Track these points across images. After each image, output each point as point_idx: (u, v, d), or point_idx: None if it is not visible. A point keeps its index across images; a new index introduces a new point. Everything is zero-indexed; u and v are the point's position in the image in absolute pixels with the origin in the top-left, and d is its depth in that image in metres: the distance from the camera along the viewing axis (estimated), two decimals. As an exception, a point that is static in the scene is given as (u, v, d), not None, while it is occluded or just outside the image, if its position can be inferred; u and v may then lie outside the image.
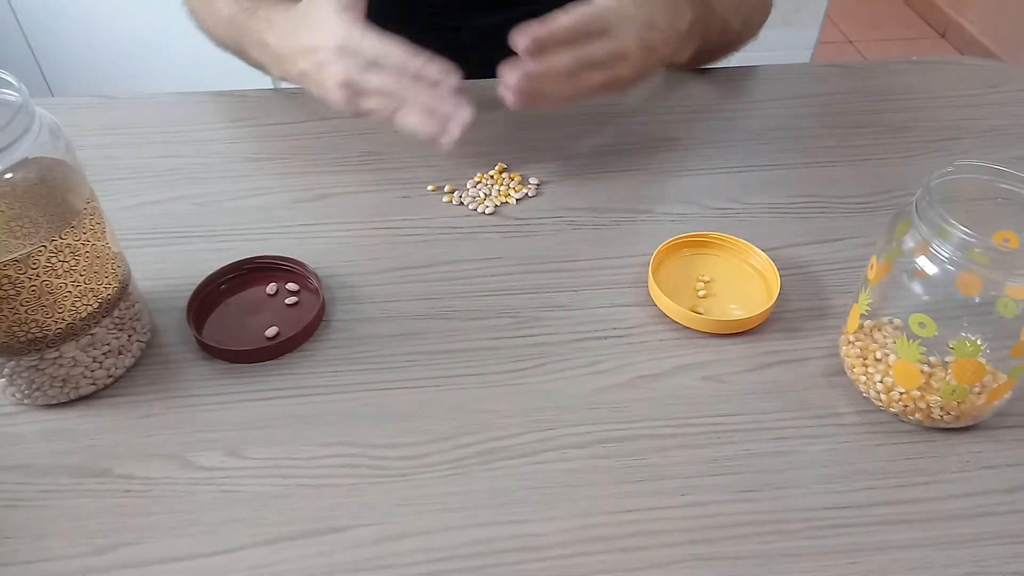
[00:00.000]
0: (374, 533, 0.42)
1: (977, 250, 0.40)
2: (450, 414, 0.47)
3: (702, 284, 0.54)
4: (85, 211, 0.44)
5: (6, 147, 0.40)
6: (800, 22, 1.83)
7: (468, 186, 0.63)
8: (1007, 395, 0.44)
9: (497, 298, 0.54)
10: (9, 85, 0.42)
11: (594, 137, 0.68)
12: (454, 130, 0.55)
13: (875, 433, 0.46)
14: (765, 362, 0.50)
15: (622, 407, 0.47)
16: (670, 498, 0.43)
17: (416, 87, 0.55)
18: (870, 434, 0.46)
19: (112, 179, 0.64)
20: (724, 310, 0.53)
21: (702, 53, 0.70)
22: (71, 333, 0.45)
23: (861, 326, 0.48)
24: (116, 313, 0.47)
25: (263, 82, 0.84)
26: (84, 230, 0.44)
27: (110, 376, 0.48)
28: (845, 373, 0.49)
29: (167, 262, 0.57)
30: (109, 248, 0.46)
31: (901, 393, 0.45)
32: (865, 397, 0.48)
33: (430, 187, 0.63)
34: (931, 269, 0.42)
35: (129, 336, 0.49)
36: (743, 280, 0.55)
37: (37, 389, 0.47)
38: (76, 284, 0.44)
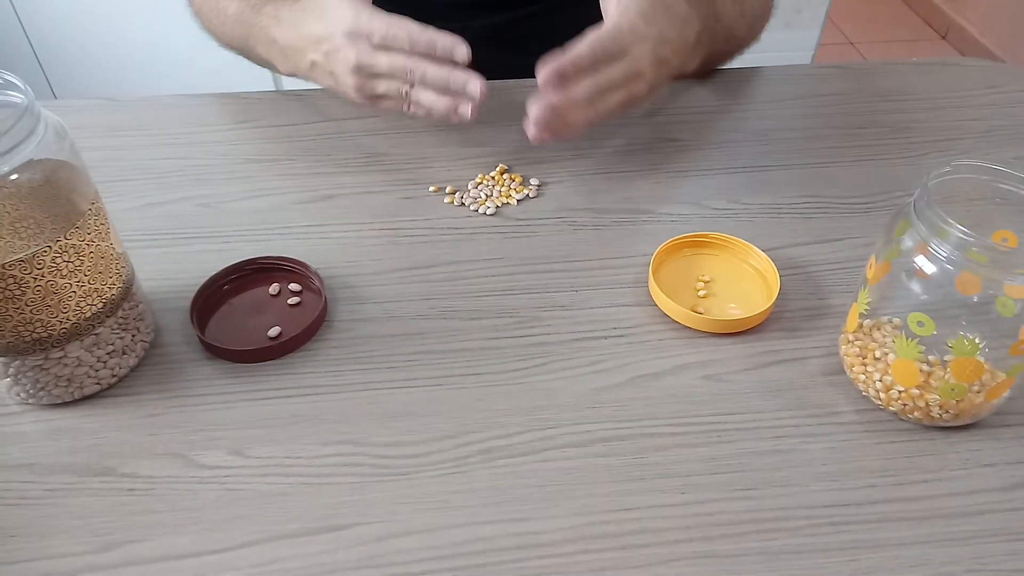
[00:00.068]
0: (376, 531, 0.42)
1: (975, 249, 0.40)
2: (452, 413, 0.47)
3: (702, 284, 0.55)
4: (89, 212, 0.44)
5: (11, 149, 0.40)
6: (801, 23, 1.84)
7: (469, 187, 0.63)
8: (1006, 393, 0.45)
9: (498, 298, 0.55)
10: (14, 87, 0.42)
11: (595, 138, 0.69)
12: (468, 102, 0.55)
13: (874, 431, 0.46)
14: (765, 361, 0.50)
15: (623, 406, 0.48)
16: (670, 496, 0.43)
17: (426, 63, 0.56)
18: (869, 432, 0.46)
19: (116, 180, 0.64)
20: (724, 310, 0.53)
21: (709, 61, 0.70)
22: (76, 333, 0.46)
23: (860, 325, 0.48)
24: (120, 313, 0.48)
25: (267, 84, 0.84)
26: (88, 231, 0.44)
27: (114, 376, 0.49)
28: (844, 372, 0.49)
29: (171, 262, 0.57)
30: (113, 249, 0.47)
31: (900, 392, 0.45)
32: (864, 396, 0.48)
33: (432, 188, 0.64)
34: (930, 268, 0.43)
35: (133, 336, 0.49)
36: (743, 280, 0.55)
37: (42, 388, 0.47)
38: (81, 284, 0.45)
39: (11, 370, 0.46)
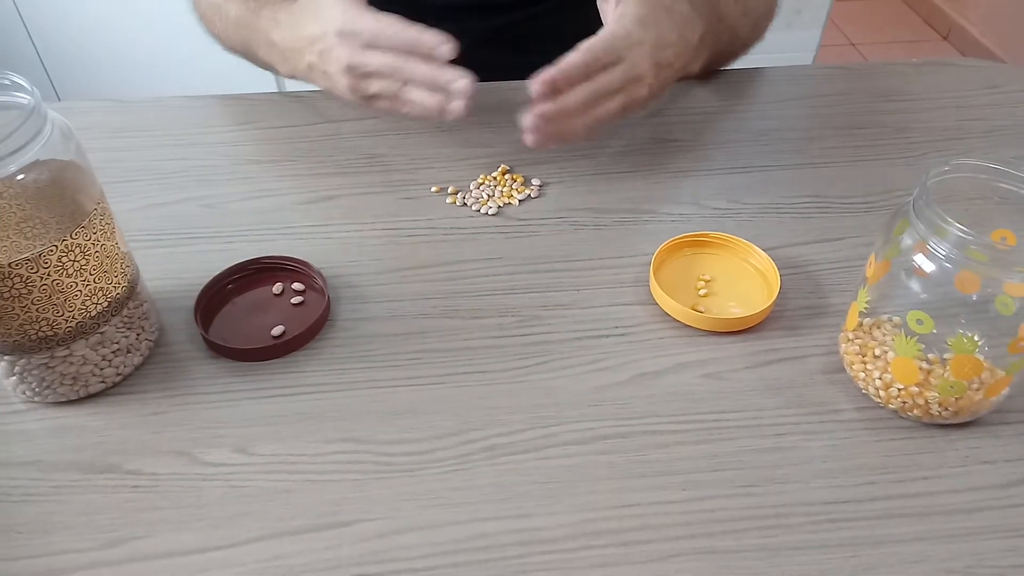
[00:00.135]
0: (379, 527, 0.42)
1: (974, 248, 0.41)
2: (454, 411, 0.48)
3: (703, 283, 0.55)
4: (95, 212, 0.45)
5: (18, 149, 0.40)
6: (802, 24, 1.84)
7: (471, 187, 0.64)
8: (1004, 391, 0.45)
9: (500, 297, 0.55)
10: (21, 88, 0.43)
11: (596, 139, 0.69)
12: (457, 99, 0.55)
13: (874, 429, 0.47)
14: (765, 360, 0.51)
15: (624, 404, 0.48)
16: (671, 493, 0.44)
17: (413, 61, 0.56)
18: (869, 430, 0.47)
19: (121, 181, 0.65)
20: (725, 309, 0.53)
21: (713, 61, 0.70)
22: (81, 331, 0.46)
23: (860, 324, 0.48)
24: (125, 312, 0.48)
25: (269, 85, 0.85)
26: (94, 230, 0.45)
27: (119, 374, 0.49)
28: (844, 370, 0.49)
29: (174, 262, 0.58)
30: (118, 248, 0.47)
31: (900, 389, 0.46)
32: (864, 394, 0.48)
33: (434, 188, 0.64)
34: (929, 267, 0.43)
35: (138, 335, 0.50)
36: (743, 279, 0.56)
37: (47, 387, 0.47)
38: (86, 283, 0.45)
39: (17, 368, 0.46)
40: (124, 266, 0.48)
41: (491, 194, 0.63)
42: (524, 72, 0.57)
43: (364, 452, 0.46)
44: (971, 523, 0.42)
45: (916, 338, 0.44)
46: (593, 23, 0.59)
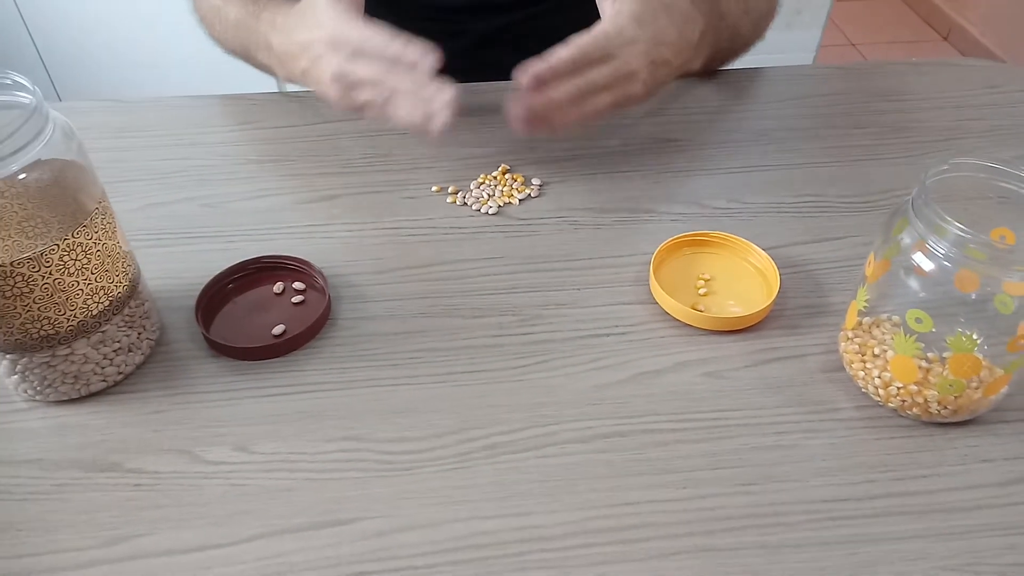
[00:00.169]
0: (379, 525, 0.42)
1: (973, 247, 0.41)
2: (454, 410, 0.48)
3: (703, 282, 0.55)
4: (96, 211, 0.45)
5: (20, 148, 0.41)
6: (802, 24, 1.84)
7: (472, 187, 0.64)
8: (1003, 389, 0.45)
9: (500, 296, 0.55)
10: (23, 88, 0.43)
11: (596, 139, 0.69)
12: (439, 114, 0.54)
13: (873, 427, 0.47)
14: (765, 358, 0.51)
15: (624, 403, 0.48)
16: (671, 491, 0.44)
17: (398, 73, 0.55)
18: (868, 428, 0.47)
19: (122, 181, 0.65)
20: (724, 308, 0.54)
21: (714, 59, 0.70)
22: (82, 330, 0.46)
23: (859, 323, 0.48)
24: (126, 311, 0.48)
25: (270, 85, 0.85)
26: (95, 229, 0.45)
27: (120, 373, 0.49)
28: (844, 369, 0.50)
29: (175, 262, 0.58)
30: (119, 247, 0.47)
31: (899, 388, 0.46)
32: (863, 392, 0.48)
33: (434, 188, 0.64)
34: (928, 266, 0.43)
35: (139, 334, 0.50)
36: (743, 278, 0.56)
37: (49, 385, 0.47)
38: (88, 282, 0.45)
39: (19, 367, 0.46)
40: (125, 265, 0.48)
41: (491, 193, 0.63)
42: (524, 72, 0.57)
43: (364, 450, 0.46)
44: (970, 521, 0.42)
45: (915, 337, 0.44)
46: (593, 23, 0.59)
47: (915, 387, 0.45)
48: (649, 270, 0.55)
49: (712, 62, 0.71)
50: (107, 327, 0.47)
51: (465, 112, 0.72)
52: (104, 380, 0.49)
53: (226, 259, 0.56)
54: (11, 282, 0.42)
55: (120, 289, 0.47)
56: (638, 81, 0.59)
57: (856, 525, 0.42)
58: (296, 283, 0.55)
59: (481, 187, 0.64)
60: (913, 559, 0.41)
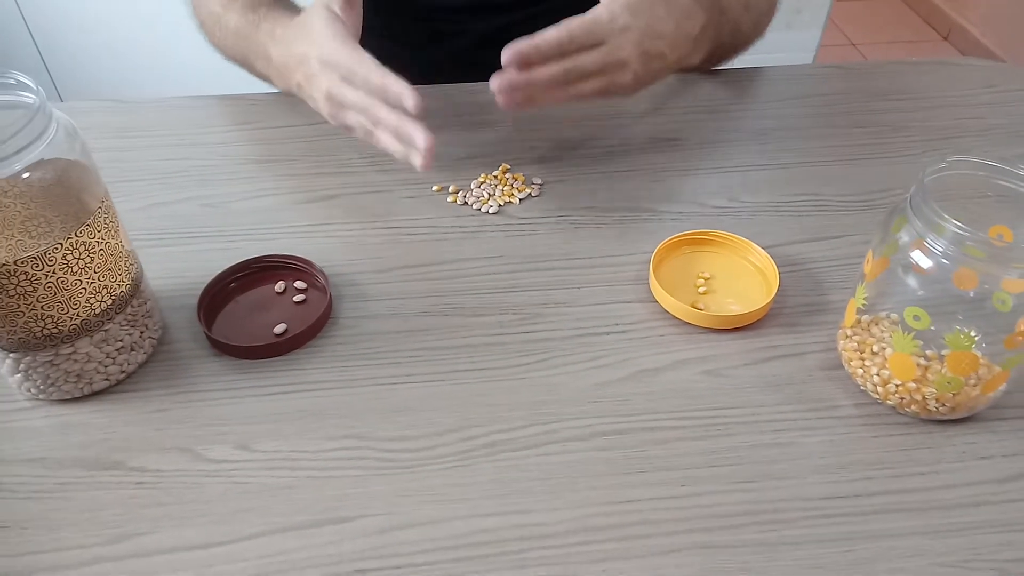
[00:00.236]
0: (380, 523, 0.43)
1: (971, 245, 0.41)
2: (455, 408, 0.48)
3: (702, 281, 0.55)
4: (99, 210, 0.45)
5: (23, 148, 0.41)
6: (801, 24, 1.84)
7: (472, 186, 0.64)
8: (1001, 387, 0.45)
9: (501, 295, 0.55)
10: (27, 88, 0.43)
11: (596, 138, 0.69)
12: (418, 153, 0.54)
13: (872, 425, 0.47)
14: (764, 356, 0.51)
15: (623, 401, 0.48)
16: (670, 488, 0.44)
17: (380, 107, 0.55)
18: (867, 426, 0.47)
19: (124, 181, 0.65)
20: (724, 306, 0.54)
21: (714, 55, 0.70)
22: (85, 329, 0.46)
23: (858, 320, 0.48)
24: (129, 310, 0.49)
25: (269, 86, 0.85)
26: (98, 229, 0.45)
27: (123, 372, 0.50)
28: (843, 367, 0.50)
29: (177, 261, 0.58)
30: (122, 246, 0.48)
31: (897, 385, 0.46)
32: (862, 390, 0.48)
33: (435, 187, 0.64)
34: (926, 264, 0.43)
35: (141, 333, 0.50)
36: (742, 276, 0.56)
37: (52, 384, 0.48)
38: (90, 281, 0.45)
39: (22, 366, 0.47)
40: (128, 264, 0.48)
41: (492, 193, 0.63)
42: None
43: (365, 449, 0.46)
44: (968, 518, 0.43)
45: (913, 334, 0.44)
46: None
47: (913, 384, 0.45)
48: (649, 269, 0.55)
49: (712, 58, 0.71)
50: (110, 326, 0.48)
51: (465, 112, 0.72)
52: (107, 379, 0.49)
53: (227, 258, 0.56)
54: (15, 281, 0.42)
55: (123, 288, 0.48)
56: (628, 71, 0.59)
57: (854, 522, 0.42)
58: (297, 282, 0.56)
59: (482, 186, 0.64)
60: (911, 556, 0.41)
